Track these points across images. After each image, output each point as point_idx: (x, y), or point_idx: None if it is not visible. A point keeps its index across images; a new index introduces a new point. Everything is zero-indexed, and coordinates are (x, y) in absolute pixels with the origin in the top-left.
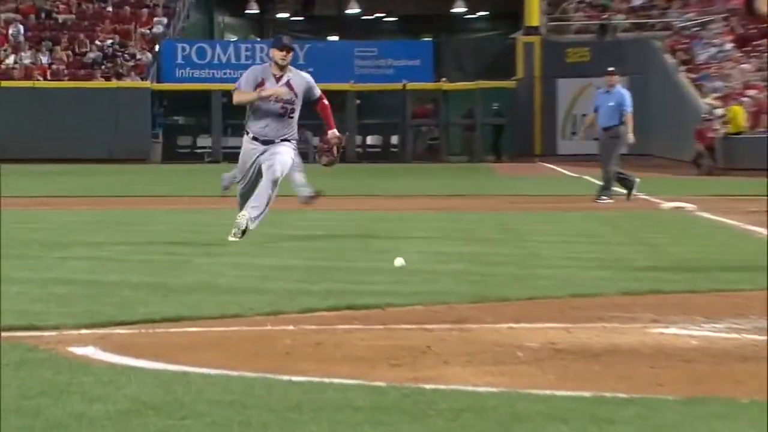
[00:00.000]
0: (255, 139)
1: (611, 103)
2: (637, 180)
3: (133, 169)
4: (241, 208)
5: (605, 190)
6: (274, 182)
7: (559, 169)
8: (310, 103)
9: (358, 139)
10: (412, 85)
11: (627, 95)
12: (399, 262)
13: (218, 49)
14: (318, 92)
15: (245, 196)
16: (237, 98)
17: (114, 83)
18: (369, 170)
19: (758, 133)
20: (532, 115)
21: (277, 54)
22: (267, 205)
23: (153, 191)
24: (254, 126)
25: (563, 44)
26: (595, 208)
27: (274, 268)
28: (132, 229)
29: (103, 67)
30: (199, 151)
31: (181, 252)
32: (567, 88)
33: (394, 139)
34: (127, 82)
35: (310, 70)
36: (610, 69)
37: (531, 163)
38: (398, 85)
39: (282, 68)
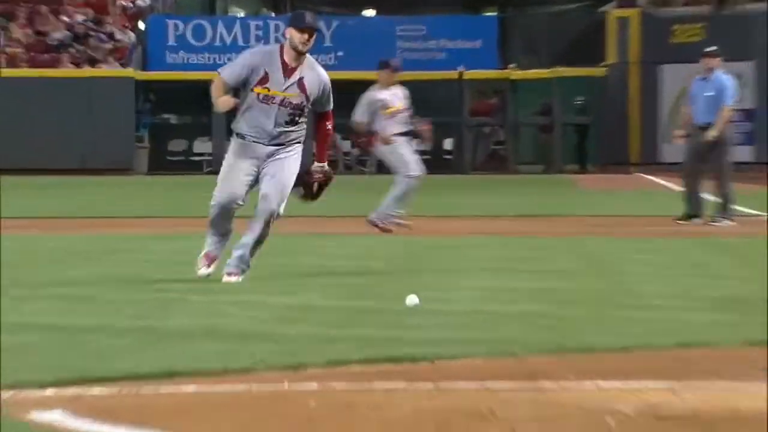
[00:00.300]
0: (255, 141)
1: (710, 93)
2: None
3: (113, 182)
4: (218, 233)
5: (723, 209)
6: (267, 223)
7: (661, 182)
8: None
9: None
10: (470, 74)
11: (729, 82)
12: (411, 300)
13: (221, 28)
14: (329, 106)
15: (225, 220)
16: (212, 92)
17: (87, 71)
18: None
19: None
20: (627, 112)
21: (296, 36)
22: (255, 251)
23: (138, 210)
24: (246, 128)
25: (669, 19)
26: (711, 233)
27: (293, 309)
28: (111, 259)
29: (72, 50)
30: (196, 158)
31: (173, 288)
32: (673, 77)
33: (448, 144)
34: (103, 70)
35: (339, 54)
36: (709, 49)
37: (625, 174)
38: (453, 74)
39: (300, 55)
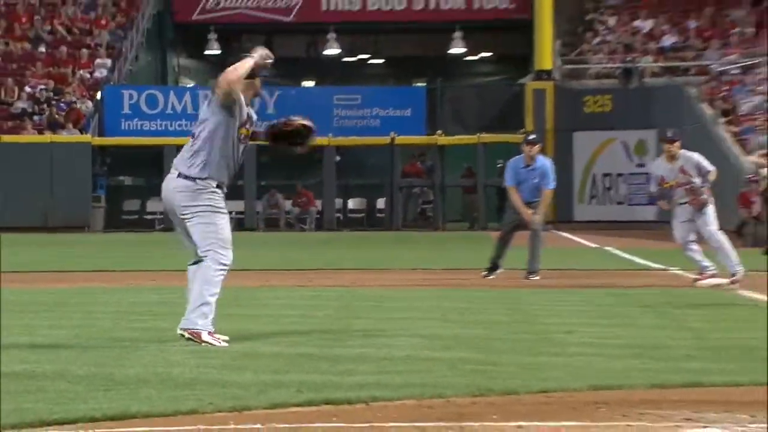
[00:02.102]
0: (219, 187)
1: (535, 180)
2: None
3: (71, 239)
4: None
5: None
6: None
7: (576, 238)
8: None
9: (338, 202)
10: (401, 139)
11: (551, 167)
12: None
13: (173, 97)
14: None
15: None
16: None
17: (48, 137)
18: (351, 239)
19: None
20: None
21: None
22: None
23: (94, 265)
24: (218, 173)
25: (580, 91)
26: (621, 285)
27: (239, 356)
28: (69, 310)
29: (35, 117)
30: (149, 217)
31: (128, 337)
32: (585, 143)
33: (381, 203)
34: (63, 136)
35: (281, 120)
36: (531, 138)
37: (544, 232)
38: (385, 139)
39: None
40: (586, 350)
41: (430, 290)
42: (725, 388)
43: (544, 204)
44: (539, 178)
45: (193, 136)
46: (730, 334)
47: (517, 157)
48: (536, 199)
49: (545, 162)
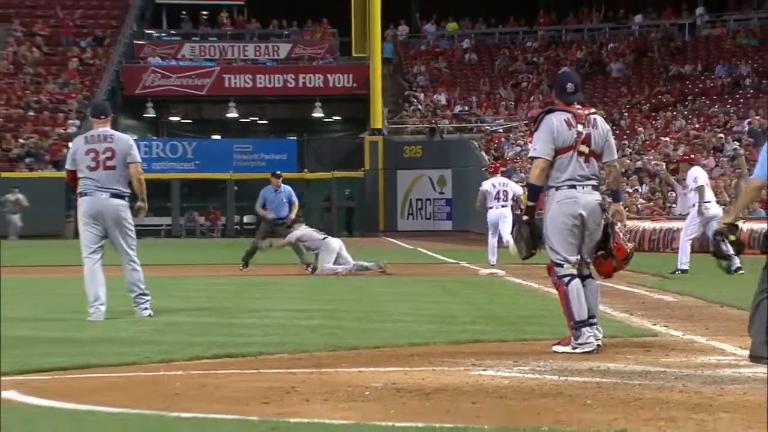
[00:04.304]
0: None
1: (283, 200)
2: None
3: (48, 244)
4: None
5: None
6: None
7: (398, 242)
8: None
9: (237, 218)
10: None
11: (291, 190)
12: None
13: None
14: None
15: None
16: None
17: (36, 174)
18: (245, 243)
19: None
20: (377, 199)
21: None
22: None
23: (63, 260)
24: None
25: (401, 143)
26: (428, 274)
27: (167, 324)
28: (49, 293)
29: (26, 160)
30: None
31: (85, 312)
32: (404, 178)
33: (246, 219)
34: (45, 173)
35: (198, 162)
36: (277, 173)
37: (376, 238)
38: (269, 175)
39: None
40: (404, 318)
41: (298, 278)
42: (497, 343)
43: (295, 210)
44: (286, 198)
45: None
46: (500, 306)
47: (268, 187)
48: (283, 215)
49: (290, 189)
